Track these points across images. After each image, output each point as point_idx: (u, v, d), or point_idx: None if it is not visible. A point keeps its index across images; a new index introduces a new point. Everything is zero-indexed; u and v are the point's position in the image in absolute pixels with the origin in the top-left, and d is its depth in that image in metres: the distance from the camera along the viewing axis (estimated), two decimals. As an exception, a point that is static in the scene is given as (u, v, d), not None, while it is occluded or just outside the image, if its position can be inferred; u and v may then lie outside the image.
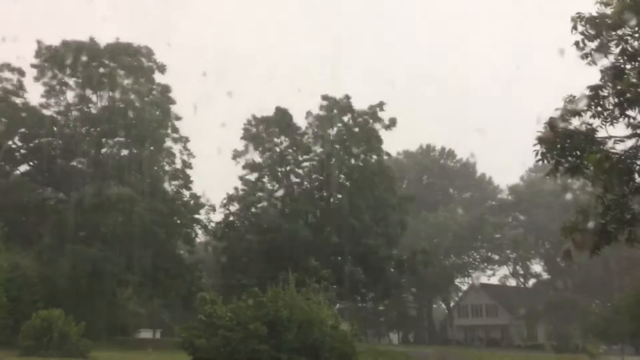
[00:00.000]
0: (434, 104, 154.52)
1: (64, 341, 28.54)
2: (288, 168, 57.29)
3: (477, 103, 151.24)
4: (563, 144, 12.42)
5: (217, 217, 59.64)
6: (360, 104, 56.24)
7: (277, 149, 56.93)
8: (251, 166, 57.38)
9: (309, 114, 56.83)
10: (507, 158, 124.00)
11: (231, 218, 58.16)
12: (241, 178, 57.81)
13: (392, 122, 55.46)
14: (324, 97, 55.82)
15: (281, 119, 56.22)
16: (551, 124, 12.54)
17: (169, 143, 54.50)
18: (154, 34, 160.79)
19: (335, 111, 55.68)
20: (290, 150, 57.05)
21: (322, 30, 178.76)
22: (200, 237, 60.14)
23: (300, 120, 57.02)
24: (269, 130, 57.01)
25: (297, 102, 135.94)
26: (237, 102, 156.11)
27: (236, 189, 58.07)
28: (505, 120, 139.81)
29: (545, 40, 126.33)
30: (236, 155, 57.18)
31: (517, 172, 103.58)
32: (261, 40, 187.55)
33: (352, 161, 56.26)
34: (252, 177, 57.77)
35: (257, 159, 57.69)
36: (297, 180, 57.88)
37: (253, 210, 57.74)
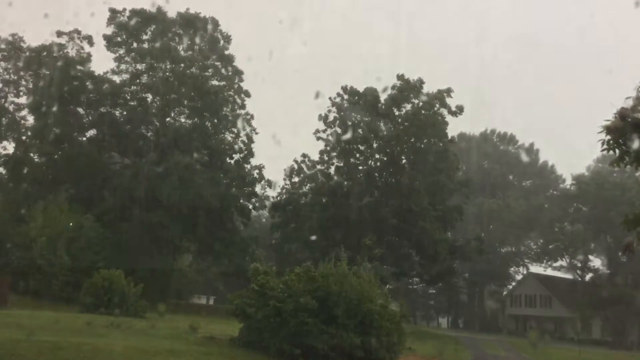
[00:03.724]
0: (498, 83, 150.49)
1: (123, 301, 29.49)
2: (363, 147, 57.19)
3: (546, 82, 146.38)
4: (632, 134, 11.97)
5: (273, 192, 60.65)
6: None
7: (353, 126, 57.04)
8: (332, 141, 57.92)
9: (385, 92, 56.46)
10: (577, 145, 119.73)
11: (292, 191, 58.99)
12: (322, 153, 58.35)
13: (459, 110, 54.39)
14: (399, 77, 55.31)
15: (366, 98, 56.24)
16: (621, 114, 12.07)
17: (232, 116, 55.34)
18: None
19: (406, 93, 55.13)
20: (362, 132, 57.03)
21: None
22: (260, 211, 61.04)
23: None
24: (353, 105, 57.18)
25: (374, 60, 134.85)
26: (311, 50, 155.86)
27: (304, 155, 58.91)
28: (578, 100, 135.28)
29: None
30: (318, 134, 57.86)
31: (585, 162, 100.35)
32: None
33: (416, 144, 55.71)
34: (324, 145, 58.56)
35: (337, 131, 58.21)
36: (362, 158, 57.91)
37: (314, 185, 58.34)
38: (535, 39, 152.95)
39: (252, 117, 55.88)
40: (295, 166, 59.15)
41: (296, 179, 59.47)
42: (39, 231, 38.53)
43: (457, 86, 68.96)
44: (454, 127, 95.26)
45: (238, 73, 56.17)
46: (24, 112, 59.35)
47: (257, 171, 55.66)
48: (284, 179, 59.68)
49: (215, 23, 55.53)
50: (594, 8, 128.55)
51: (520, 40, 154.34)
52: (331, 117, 57.24)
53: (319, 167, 59.01)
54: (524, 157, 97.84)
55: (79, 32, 53.01)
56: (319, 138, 57.53)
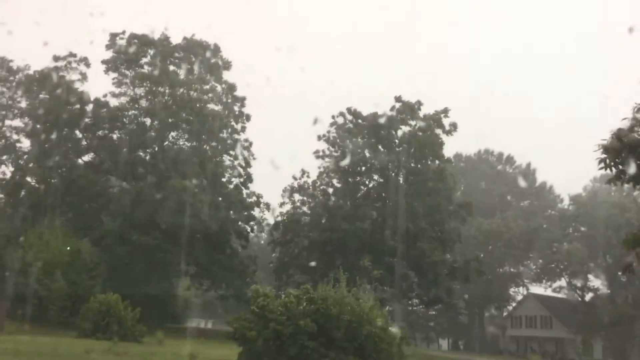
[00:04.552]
0: (494, 103, 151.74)
1: (120, 325, 29.33)
2: (363, 169, 57.40)
3: (540, 105, 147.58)
4: (628, 154, 12.03)
5: (271, 215, 60.56)
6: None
7: (352, 147, 57.20)
8: (331, 162, 58.07)
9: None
10: (572, 166, 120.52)
11: (291, 212, 58.95)
12: (321, 174, 58.60)
13: (453, 127, 54.94)
14: (397, 99, 55.88)
15: (368, 123, 56.52)
16: (618, 135, 12.16)
17: (231, 140, 55.42)
18: (231, 9, 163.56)
19: (402, 116, 55.58)
20: (366, 153, 57.14)
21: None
22: (259, 235, 60.92)
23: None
24: (355, 127, 57.39)
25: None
26: (309, 75, 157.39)
27: (303, 171, 59.20)
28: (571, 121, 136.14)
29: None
30: (318, 154, 58.15)
31: (581, 181, 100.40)
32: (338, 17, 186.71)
33: (414, 165, 56.00)
34: (323, 164, 58.87)
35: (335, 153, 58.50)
36: (360, 180, 58.11)
37: (312, 204, 58.37)
38: (535, 63, 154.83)
39: (251, 143, 56.08)
40: (296, 185, 59.20)
41: (296, 197, 59.53)
42: (35, 256, 38.32)
43: (455, 109, 69.61)
44: (451, 148, 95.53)
45: (239, 100, 56.15)
46: (21, 135, 59.63)
47: (254, 198, 55.62)
48: (282, 195, 59.72)
49: (217, 49, 55.81)
50: (590, 34, 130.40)
51: (519, 64, 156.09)
52: (331, 137, 57.54)
53: (318, 185, 59.13)
54: (522, 182, 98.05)
55: (74, 55, 53.38)
56: (318, 157, 57.84)
